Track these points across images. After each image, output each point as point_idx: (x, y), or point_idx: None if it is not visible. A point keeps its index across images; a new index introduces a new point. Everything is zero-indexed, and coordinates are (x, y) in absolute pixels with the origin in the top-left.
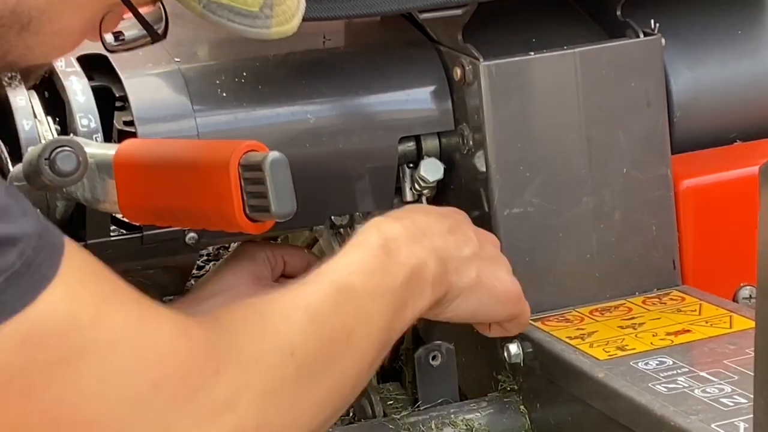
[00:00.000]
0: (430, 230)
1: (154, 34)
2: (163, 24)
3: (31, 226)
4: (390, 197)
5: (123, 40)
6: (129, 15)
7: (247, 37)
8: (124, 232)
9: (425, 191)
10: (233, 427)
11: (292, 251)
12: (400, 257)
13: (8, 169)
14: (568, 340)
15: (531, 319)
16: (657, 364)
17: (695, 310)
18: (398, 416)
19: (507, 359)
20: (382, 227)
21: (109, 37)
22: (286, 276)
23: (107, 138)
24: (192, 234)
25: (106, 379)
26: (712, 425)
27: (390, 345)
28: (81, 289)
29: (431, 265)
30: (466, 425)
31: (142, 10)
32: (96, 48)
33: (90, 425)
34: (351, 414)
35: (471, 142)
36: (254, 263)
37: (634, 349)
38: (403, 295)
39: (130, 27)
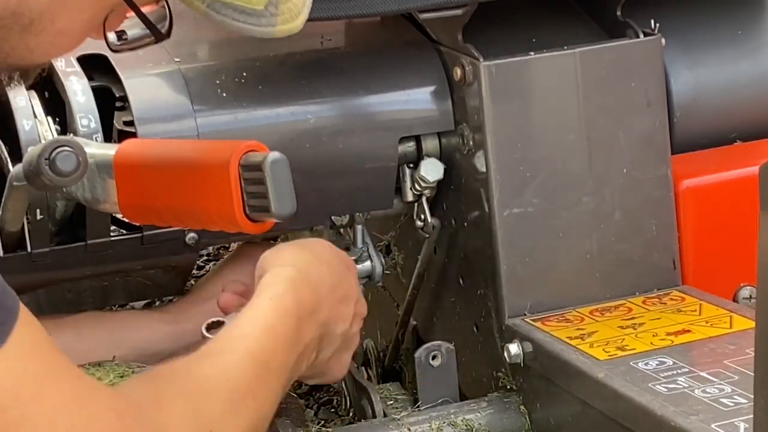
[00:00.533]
0: (327, 297)
1: (157, 34)
2: (167, 23)
3: None
4: (390, 197)
5: (126, 39)
6: (132, 14)
7: (253, 35)
8: (124, 232)
9: (425, 191)
10: None
11: None
12: (303, 334)
13: (8, 169)
14: (568, 340)
15: (531, 319)
16: (657, 365)
17: (695, 311)
18: (398, 416)
19: (507, 359)
20: (297, 288)
21: (111, 36)
22: None
23: (107, 138)
24: (192, 234)
25: None
26: (712, 425)
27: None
28: (26, 363)
29: (313, 346)
30: (466, 425)
31: (145, 10)
32: (96, 48)
33: None
34: (351, 414)
35: (471, 142)
36: (254, 264)
37: (634, 349)
38: (294, 369)
39: (132, 26)
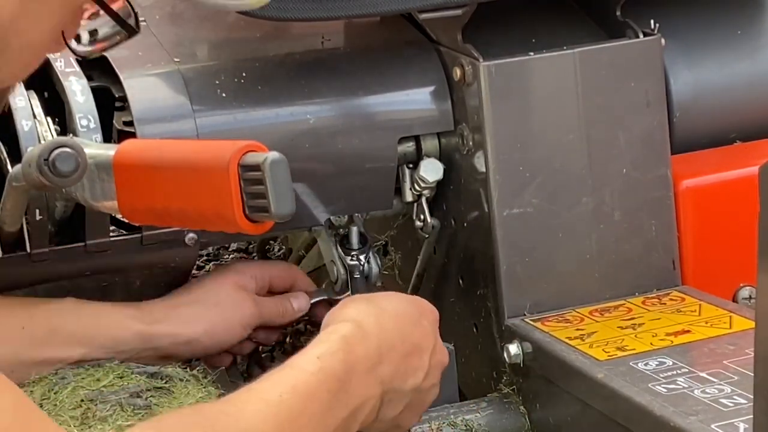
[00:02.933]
0: (390, 351)
1: (129, 28)
2: (133, 18)
3: None
4: (390, 197)
5: (96, 39)
6: (86, 17)
7: (227, 9)
8: (124, 232)
9: (425, 191)
10: None
11: (279, 270)
12: (353, 394)
13: (8, 170)
14: (567, 341)
15: (531, 320)
16: (657, 365)
17: (695, 311)
18: None
19: (507, 359)
20: (350, 344)
21: (84, 36)
22: (272, 292)
23: (107, 138)
24: (191, 234)
25: None
26: (712, 426)
27: None
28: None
29: (371, 404)
30: (465, 426)
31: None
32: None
33: None
34: None
35: (471, 143)
36: (239, 275)
37: (633, 349)
38: (339, 426)
39: (101, 26)
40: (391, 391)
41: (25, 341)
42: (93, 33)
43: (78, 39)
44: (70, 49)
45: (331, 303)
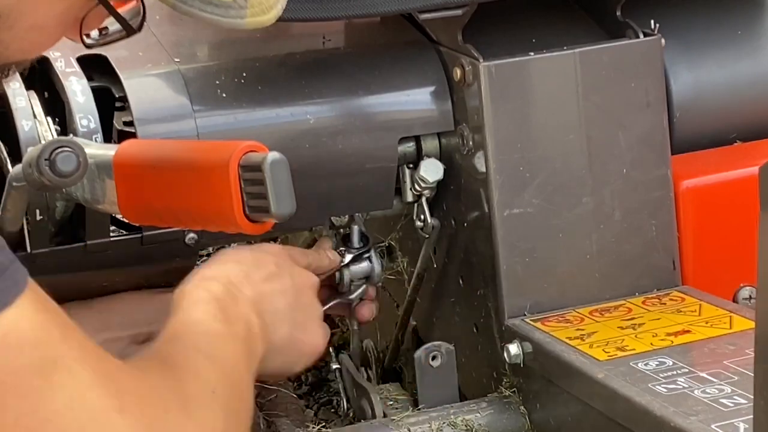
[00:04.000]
0: (244, 282)
1: (129, 28)
2: (140, 18)
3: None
4: (390, 197)
5: (106, 34)
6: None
7: (221, 27)
8: (124, 232)
9: (425, 191)
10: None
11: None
12: (232, 315)
13: (8, 169)
14: (568, 341)
15: (531, 320)
16: (657, 365)
17: (695, 311)
18: (398, 417)
19: (507, 359)
20: (205, 285)
21: (94, 34)
22: None
23: (107, 138)
24: (192, 234)
25: (76, 395)
26: (712, 426)
27: (250, 394)
28: (48, 306)
29: (255, 321)
30: (465, 426)
31: (123, 6)
32: (95, 48)
33: None
34: (351, 414)
35: (471, 143)
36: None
37: (633, 349)
38: (246, 347)
39: (112, 22)
40: (265, 312)
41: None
42: (103, 29)
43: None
44: (83, 41)
45: (349, 304)
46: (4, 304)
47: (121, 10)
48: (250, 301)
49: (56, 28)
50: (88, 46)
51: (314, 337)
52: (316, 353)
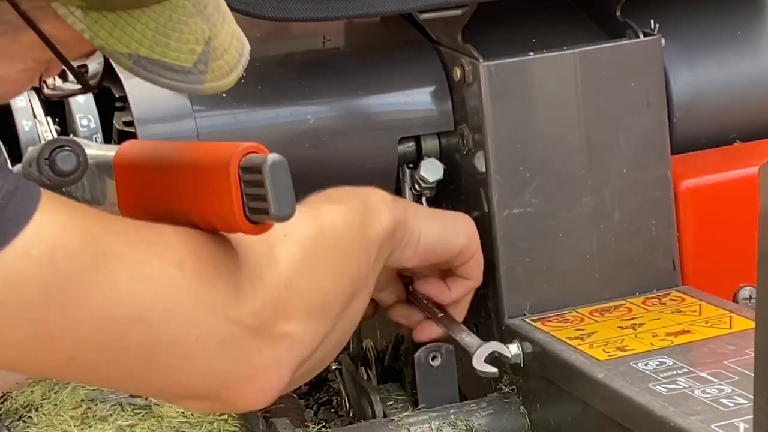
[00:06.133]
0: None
1: (87, 86)
2: (98, 78)
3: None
4: None
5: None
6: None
7: (180, 92)
8: None
9: (425, 192)
10: (267, 293)
11: None
12: (340, 196)
13: None
14: (568, 341)
15: (531, 320)
16: (657, 365)
17: (695, 311)
18: (398, 417)
19: (507, 359)
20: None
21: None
22: None
23: (107, 138)
24: None
25: (136, 273)
26: (712, 426)
27: (373, 250)
28: (83, 211)
29: (373, 193)
30: (465, 426)
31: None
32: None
33: (138, 316)
34: (351, 415)
35: (471, 143)
36: None
37: (633, 349)
38: (360, 209)
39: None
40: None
41: None
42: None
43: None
44: (41, 89)
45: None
46: (25, 221)
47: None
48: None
49: (21, 82)
50: (46, 97)
51: (461, 216)
52: (471, 225)
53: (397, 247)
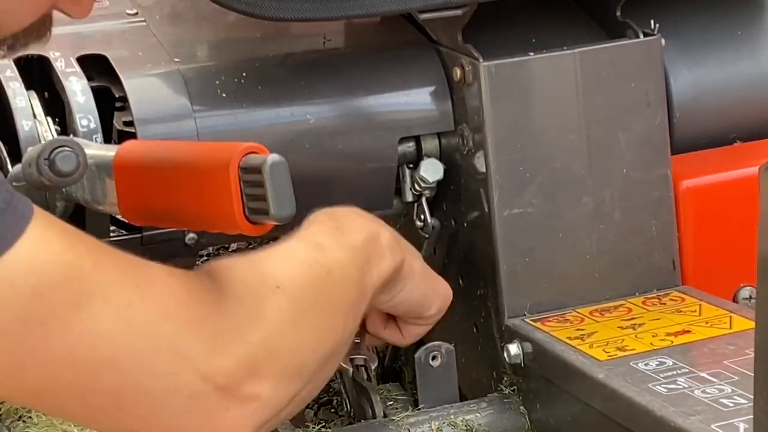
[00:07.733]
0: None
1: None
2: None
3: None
4: (390, 198)
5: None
6: None
7: None
8: (124, 232)
9: (425, 192)
10: (245, 352)
11: None
12: (352, 227)
13: (8, 169)
14: (568, 341)
15: (531, 320)
16: (657, 365)
17: (695, 311)
18: (398, 417)
19: (507, 359)
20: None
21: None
22: None
23: (107, 138)
24: (192, 235)
25: (118, 316)
26: (712, 426)
27: (364, 302)
28: (73, 241)
29: (384, 234)
30: (465, 426)
31: None
32: (96, 48)
33: (113, 360)
34: (351, 414)
35: (471, 143)
36: None
37: (633, 349)
38: (365, 252)
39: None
40: (398, 240)
41: None
42: None
43: None
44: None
45: None
46: (11, 242)
47: None
48: (380, 224)
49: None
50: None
51: (444, 283)
52: (448, 298)
53: (382, 292)
